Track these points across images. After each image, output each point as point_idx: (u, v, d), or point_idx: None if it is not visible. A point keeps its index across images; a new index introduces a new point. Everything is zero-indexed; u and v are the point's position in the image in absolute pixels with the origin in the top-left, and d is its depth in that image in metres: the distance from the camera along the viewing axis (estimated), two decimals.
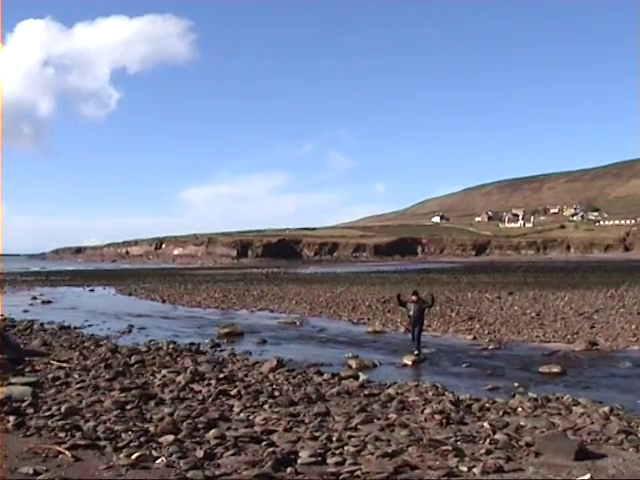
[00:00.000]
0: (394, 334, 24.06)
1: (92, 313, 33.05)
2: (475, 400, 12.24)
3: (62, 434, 8.67)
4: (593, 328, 23.59)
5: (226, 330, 24.29)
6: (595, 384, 14.88)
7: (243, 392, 12.37)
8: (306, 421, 10.14)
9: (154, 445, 8.35)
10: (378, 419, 10.35)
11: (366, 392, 12.98)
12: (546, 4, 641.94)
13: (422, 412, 11.03)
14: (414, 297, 19.89)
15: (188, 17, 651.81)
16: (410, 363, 17.91)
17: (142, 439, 8.51)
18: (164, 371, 14.86)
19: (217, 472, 7.38)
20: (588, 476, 7.13)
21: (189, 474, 7.20)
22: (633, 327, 23.11)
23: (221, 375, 14.27)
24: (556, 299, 35.68)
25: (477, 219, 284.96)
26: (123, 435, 8.73)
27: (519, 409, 11.50)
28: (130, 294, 48.67)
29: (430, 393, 12.98)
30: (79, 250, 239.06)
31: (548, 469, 7.70)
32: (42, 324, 26.41)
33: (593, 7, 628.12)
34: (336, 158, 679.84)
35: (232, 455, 8.06)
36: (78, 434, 8.63)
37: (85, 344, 20.03)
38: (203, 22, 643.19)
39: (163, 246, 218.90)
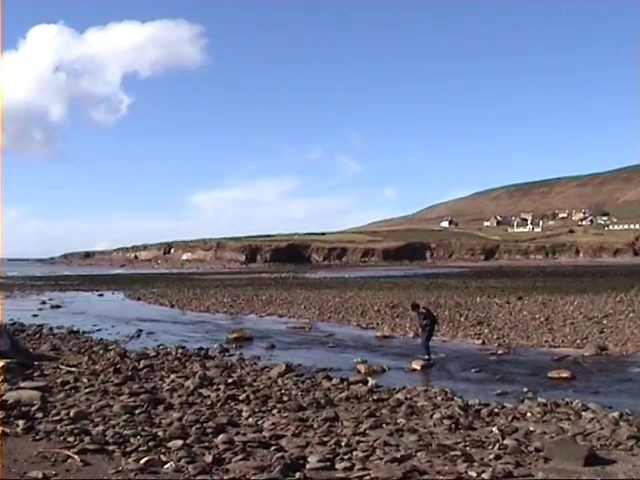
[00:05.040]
0: (403, 339, 24.03)
1: (101, 318, 33.13)
2: (484, 405, 12.20)
3: (71, 438, 8.69)
4: (602, 333, 23.47)
5: (235, 335, 24.30)
6: (605, 389, 14.81)
7: (252, 397, 12.37)
8: (315, 426, 10.13)
9: (163, 450, 8.36)
10: (387, 424, 10.33)
11: (375, 397, 12.96)
12: (560, 10, 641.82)
13: (431, 417, 11.01)
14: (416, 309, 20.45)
15: (200, 22, 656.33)
16: (419, 368, 17.89)
17: (151, 444, 8.52)
18: (173, 376, 14.88)
19: (226, 477, 7.38)
20: None
21: (198, 479, 7.20)
22: None
23: (230, 380, 14.27)
24: (565, 304, 35.52)
25: (486, 224, 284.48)
26: (132, 440, 8.74)
27: (528, 414, 11.46)
28: (139, 299, 48.72)
29: (439, 398, 12.95)
30: (88, 255, 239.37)
31: (557, 474, 7.67)
32: (51, 328, 26.49)
33: (600, 11, 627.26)
34: (345, 163, 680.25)
35: (241, 460, 8.06)
36: (87, 438, 8.66)
37: (94, 348, 20.06)
38: (215, 28, 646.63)
39: (172, 251, 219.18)
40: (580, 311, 31.25)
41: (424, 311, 20.02)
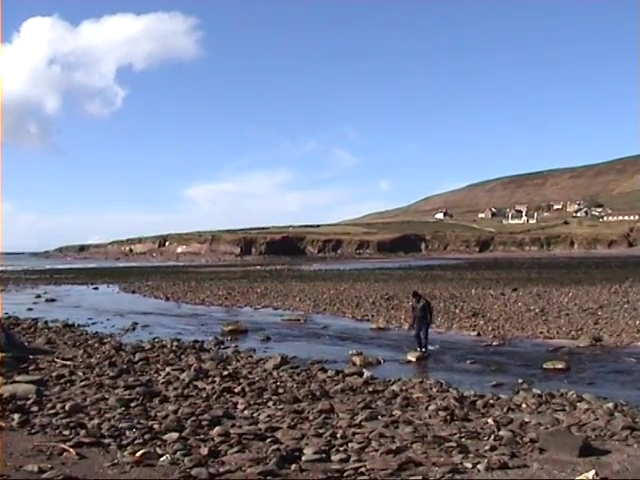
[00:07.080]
0: (398, 331, 24.03)
1: (96, 311, 33.08)
2: (479, 396, 12.22)
3: (66, 432, 8.69)
4: (597, 324, 23.54)
5: (230, 327, 24.29)
6: (599, 380, 14.85)
7: (247, 389, 12.38)
8: (310, 418, 10.14)
9: (158, 442, 8.36)
10: (382, 416, 10.35)
11: (370, 389, 12.97)
12: (555, 2, 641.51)
13: (426, 409, 11.02)
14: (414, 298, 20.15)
15: (195, 15, 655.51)
16: (414, 360, 17.90)
17: (146, 436, 8.53)
18: (168, 369, 14.87)
19: (221, 469, 7.38)
20: (593, 472, 7.10)
21: (193, 471, 7.20)
22: (637, 323, 23.05)
23: (225, 372, 14.28)
24: (560, 295, 35.62)
25: (480, 215, 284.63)
26: (127, 433, 8.74)
27: (523, 405, 11.49)
28: (134, 292, 48.66)
29: (434, 390, 12.97)
30: (83, 248, 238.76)
31: (552, 465, 7.69)
32: (46, 322, 26.40)
33: (594, 5, 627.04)
34: (340, 155, 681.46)
35: (236, 452, 8.07)
36: (82, 432, 8.65)
37: (89, 342, 20.02)
38: (210, 20, 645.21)
39: (167, 244, 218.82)
40: (575, 302, 31.34)
41: (424, 302, 19.85)
